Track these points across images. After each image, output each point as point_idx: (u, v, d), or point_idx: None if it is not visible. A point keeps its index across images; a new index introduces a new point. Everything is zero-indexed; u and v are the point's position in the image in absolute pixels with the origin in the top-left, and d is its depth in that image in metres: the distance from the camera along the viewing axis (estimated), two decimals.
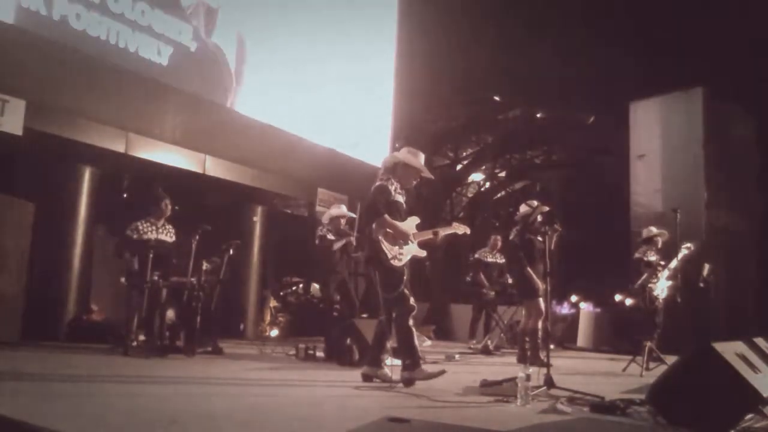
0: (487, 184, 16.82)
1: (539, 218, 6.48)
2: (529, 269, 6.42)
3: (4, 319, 5.99)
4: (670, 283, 7.01)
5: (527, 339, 6.44)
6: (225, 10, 8.27)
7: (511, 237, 6.45)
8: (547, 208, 6.52)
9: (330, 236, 6.84)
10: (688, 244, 6.91)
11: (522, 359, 6.15)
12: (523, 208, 6.61)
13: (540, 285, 6.39)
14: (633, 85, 10.75)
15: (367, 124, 10.76)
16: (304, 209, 10.44)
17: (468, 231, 5.01)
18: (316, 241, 6.97)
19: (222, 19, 8.23)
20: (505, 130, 15.44)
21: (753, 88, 10.13)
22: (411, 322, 4.45)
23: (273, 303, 10.40)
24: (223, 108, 8.21)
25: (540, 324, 6.43)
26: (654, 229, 7.35)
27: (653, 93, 10.20)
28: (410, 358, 4.39)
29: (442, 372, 4.47)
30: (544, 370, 4.12)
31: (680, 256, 6.77)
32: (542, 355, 6.41)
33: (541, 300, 6.36)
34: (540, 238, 6.47)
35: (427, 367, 4.51)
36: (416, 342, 4.47)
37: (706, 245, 7.57)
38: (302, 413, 3.27)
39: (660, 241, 7.25)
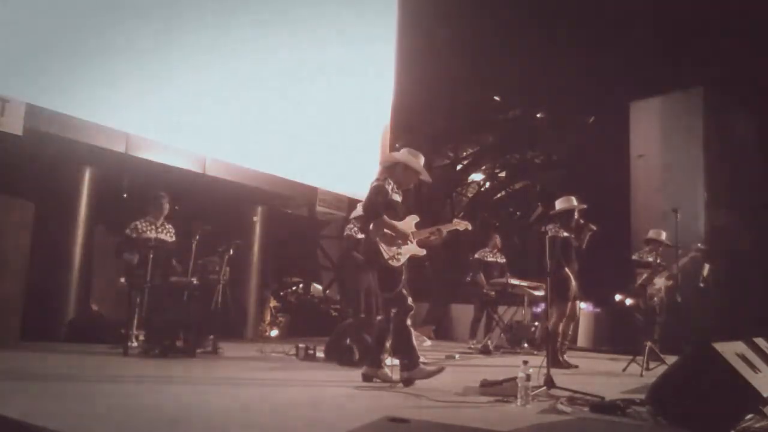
0: (487, 184, 16.81)
1: (576, 216, 6.40)
2: (567, 269, 6.29)
3: (4, 318, 5.98)
4: (669, 282, 7.02)
5: (560, 340, 6.35)
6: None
7: (550, 233, 5.78)
8: (585, 206, 6.44)
9: (359, 235, 6.57)
10: (700, 245, 6.91)
11: (555, 362, 5.75)
12: (561, 204, 6.44)
13: (574, 287, 6.33)
14: (633, 85, 10.74)
15: (366, 123, 10.75)
16: (304, 209, 10.44)
17: (469, 226, 4.93)
18: (345, 233, 6.62)
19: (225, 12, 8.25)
20: (505, 130, 15.43)
21: (753, 88, 10.13)
22: (409, 321, 4.46)
23: (273, 303, 10.41)
24: (223, 108, 8.21)
25: (561, 327, 6.38)
26: (662, 234, 7.33)
27: (653, 93, 10.19)
28: (408, 357, 4.39)
29: (441, 369, 4.47)
30: (544, 370, 4.12)
31: (691, 255, 6.76)
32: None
33: (570, 303, 6.31)
34: (574, 237, 6.42)
35: (426, 366, 4.51)
36: (414, 342, 4.47)
37: (706, 245, 7.57)
38: (302, 413, 3.27)
39: (661, 246, 7.25)
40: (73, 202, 7.17)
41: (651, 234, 7.47)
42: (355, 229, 6.48)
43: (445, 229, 4.77)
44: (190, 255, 6.22)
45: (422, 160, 4.72)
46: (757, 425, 3.11)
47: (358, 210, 6.34)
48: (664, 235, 7.32)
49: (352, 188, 9.60)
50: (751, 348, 3.38)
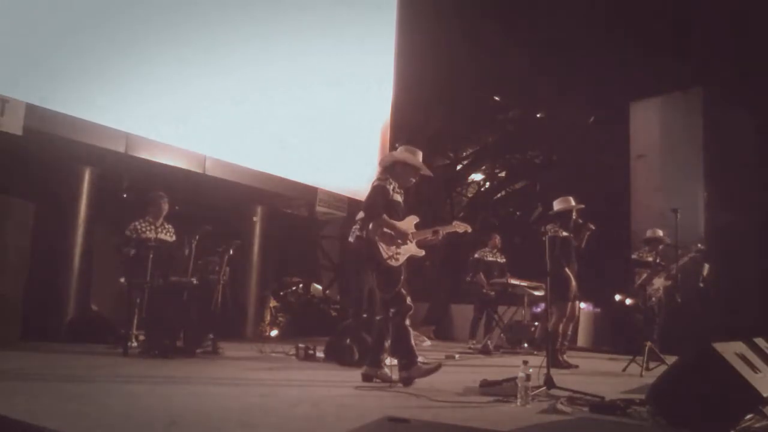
0: (487, 184, 16.81)
1: (575, 215, 6.41)
2: (567, 269, 6.30)
3: (4, 319, 5.99)
4: (667, 282, 7.02)
5: (560, 340, 6.37)
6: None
7: (550, 233, 5.73)
8: (583, 206, 6.45)
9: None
10: (700, 246, 6.92)
11: (555, 362, 5.73)
12: (559, 205, 6.44)
13: (574, 287, 6.34)
14: (633, 85, 10.74)
15: (366, 124, 10.76)
16: (304, 209, 10.44)
17: (469, 229, 4.91)
18: (350, 239, 6.66)
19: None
20: (505, 130, 15.42)
21: (753, 88, 10.12)
22: (408, 321, 4.46)
23: (273, 303, 10.40)
24: (223, 108, 8.21)
25: (561, 327, 6.39)
26: (660, 232, 7.33)
27: (653, 93, 10.19)
28: (406, 357, 4.40)
29: (439, 366, 4.48)
30: (544, 370, 4.12)
31: (690, 256, 6.77)
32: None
33: (570, 304, 6.32)
34: (573, 236, 6.43)
35: (423, 364, 4.51)
36: (413, 341, 4.48)
37: (705, 245, 7.57)
38: (302, 413, 3.27)
39: (662, 247, 7.25)
40: (73, 202, 7.17)
41: (649, 233, 7.47)
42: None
43: (444, 231, 4.77)
44: (190, 255, 6.21)
45: (420, 155, 4.72)
46: (757, 425, 3.11)
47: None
48: (661, 233, 7.33)
49: (352, 188, 9.61)
50: (751, 348, 3.38)
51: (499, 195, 16.81)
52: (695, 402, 3.07)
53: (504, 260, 9.06)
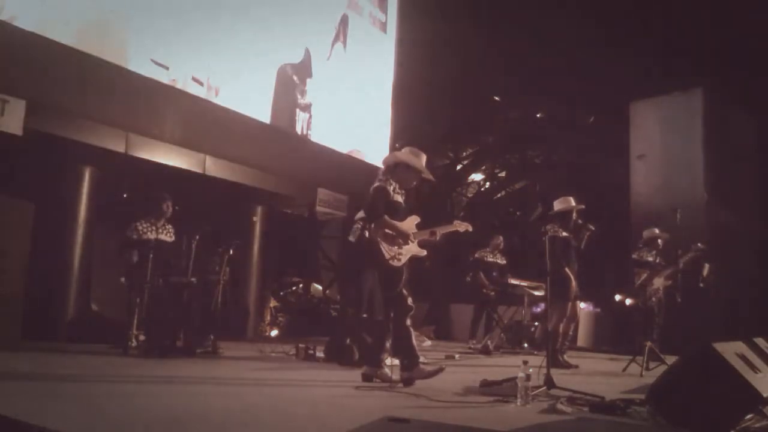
0: (487, 184, 16.82)
1: (574, 216, 6.40)
2: (567, 269, 6.30)
3: (4, 319, 5.99)
4: (667, 282, 7.02)
5: (560, 340, 6.38)
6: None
7: (550, 233, 5.74)
8: (583, 206, 6.45)
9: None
10: (700, 245, 6.92)
11: (555, 362, 5.70)
12: (559, 205, 6.43)
13: (574, 287, 6.34)
14: (633, 85, 10.75)
15: (366, 123, 10.76)
16: (304, 209, 10.45)
17: (470, 228, 4.89)
18: (351, 238, 6.67)
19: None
20: (505, 130, 15.43)
21: (753, 88, 10.12)
22: (408, 321, 4.46)
23: (273, 303, 10.40)
24: (223, 108, 8.21)
25: (561, 327, 6.39)
26: (656, 230, 7.35)
27: (653, 93, 10.19)
28: (408, 357, 4.40)
29: (441, 369, 4.48)
30: (544, 370, 4.12)
31: (690, 255, 6.77)
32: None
33: (571, 304, 6.32)
34: (573, 237, 6.44)
35: (426, 366, 4.52)
36: (414, 341, 4.48)
37: (705, 245, 7.58)
38: (302, 413, 3.27)
39: (661, 243, 7.25)
40: (73, 202, 7.15)
41: (646, 234, 7.47)
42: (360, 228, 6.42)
43: (443, 230, 4.76)
44: (190, 255, 6.21)
45: (424, 158, 4.72)
46: (757, 425, 3.10)
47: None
48: (657, 230, 7.33)
49: (352, 188, 9.60)
50: (751, 348, 3.37)
51: (499, 195, 16.82)
52: (695, 402, 3.07)
53: (504, 261, 9.07)
